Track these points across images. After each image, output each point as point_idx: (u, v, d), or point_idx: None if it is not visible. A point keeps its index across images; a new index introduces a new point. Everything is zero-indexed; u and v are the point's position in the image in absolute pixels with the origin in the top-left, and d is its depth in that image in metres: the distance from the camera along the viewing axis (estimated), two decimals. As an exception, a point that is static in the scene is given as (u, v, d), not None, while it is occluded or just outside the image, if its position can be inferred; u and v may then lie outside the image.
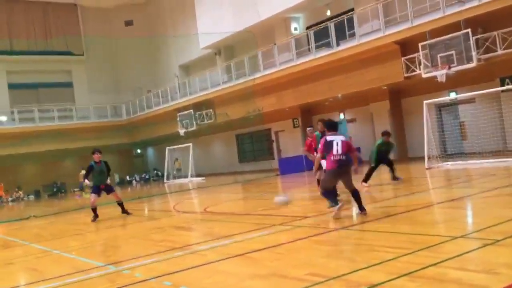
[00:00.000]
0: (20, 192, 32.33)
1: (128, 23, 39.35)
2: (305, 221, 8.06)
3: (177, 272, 5.61)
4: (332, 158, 7.78)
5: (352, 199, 8.16)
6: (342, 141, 7.76)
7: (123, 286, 5.26)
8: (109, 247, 8.09)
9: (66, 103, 36.64)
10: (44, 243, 9.40)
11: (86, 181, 12.54)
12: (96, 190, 12.24)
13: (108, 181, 12.63)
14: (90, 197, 12.35)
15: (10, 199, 31.98)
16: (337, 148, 7.72)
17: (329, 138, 7.91)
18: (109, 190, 12.56)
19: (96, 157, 12.27)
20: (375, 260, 4.89)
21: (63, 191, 35.37)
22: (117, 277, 5.77)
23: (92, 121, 35.22)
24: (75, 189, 35.95)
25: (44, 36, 37.03)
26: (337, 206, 7.82)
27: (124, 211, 12.63)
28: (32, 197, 33.12)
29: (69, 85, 38.58)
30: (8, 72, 35.77)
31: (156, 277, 5.43)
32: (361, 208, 7.88)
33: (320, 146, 8.24)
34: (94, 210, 12.31)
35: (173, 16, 36.47)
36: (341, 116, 25.69)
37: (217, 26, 28.71)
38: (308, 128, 12.97)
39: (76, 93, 38.60)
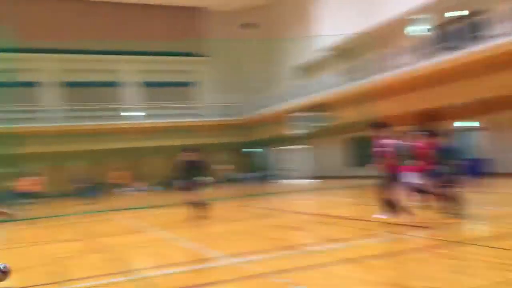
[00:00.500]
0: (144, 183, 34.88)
1: (248, 25, 40.63)
2: (425, 232, 7.68)
3: (293, 270, 5.68)
4: None
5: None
6: None
7: (242, 278, 5.46)
8: (226, 240, 8.43)
9: (187, 102, 39.01)
10: (164, 230, 10.07)
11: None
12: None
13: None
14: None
15: (134, 189, 34.58)
16: None
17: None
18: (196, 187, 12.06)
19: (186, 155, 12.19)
20: (498, 278, 4.52)
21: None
22: (233, 269, 6.00)
23: (208, 120, 37.08)
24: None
25: (172, 38, 39.72)
26: None
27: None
28: (159, 188, 35.53)
29: (192, 84, 41.02)
30: (138, 71, 38.89)
31: (273, 273, 5.56)
32: None
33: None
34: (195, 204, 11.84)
35: (292, 18, 36.93)
36: (469, 123, 24.01)
37: (336, 27, 28.49)
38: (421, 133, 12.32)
39: (196, 92, 40.88)
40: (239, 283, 5.29)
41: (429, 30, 23.84)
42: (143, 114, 36.56)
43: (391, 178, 8.40)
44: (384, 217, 7.64)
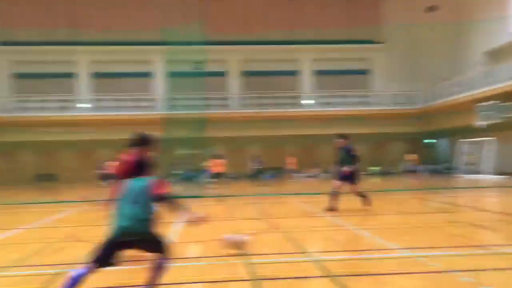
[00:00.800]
0: (317, 169, 35.75)
1: (431, 8, 38.19)
2: None
3: (478, 270, 5.33)
4: None
5: None
6: None
7: (418, 273, 5.32)
8: (402, 232, 8.23)
9: (363, 90, 38.52)
10: (342, 218, 10.22)
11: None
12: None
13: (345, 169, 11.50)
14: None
15: (310, 174, 35.74)
16: None
17: None
18: (353, 178, 11.65)
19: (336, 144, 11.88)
20: None
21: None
22: (411, 262, 5.86)
23: (385, 108, 35.99)
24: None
25: (348, 25, 39.47)
26: None
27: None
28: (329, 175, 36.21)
29: (367, 72, 40.29)
30: (314, 60, 39.65)
31: (454, 270, 5.29)
32: None
33: None
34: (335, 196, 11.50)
35: (481, -1, 33.61)
36: None
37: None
38: None
39: (373, 80, 40.02)
40: (417, 277, 5.16)
41: None
42: (316, 102, 37.31)
43: None
44: None
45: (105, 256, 4.35)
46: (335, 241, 7.87)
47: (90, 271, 4.30)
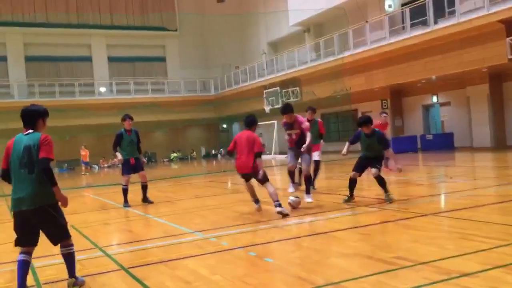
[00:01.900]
0: (116, 159, 34.57)
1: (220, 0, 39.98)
2: (391, 204, 7.86)
3: (262, 244, 5.75)
4: None
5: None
6: None
7: (210, 253, 5.49)
8: (197, 216, 8.44)
9: (159, 77, 38.45)
10: (136, 207, 10.01)
11: (118, 154, 10.20)
12: (127, 165, 10.15)
13: (141, 157, 10.49)
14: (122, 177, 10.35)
15: (106, 165, 34.37)
16: None
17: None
18: (138, 167, 10.24)
19: (128, 124, 10.22)
20: (468, 249, 4.68)
21: (153, 160, 37.38)
22: (205, 244, 6.03)
23: (182, 95, 36.61)
24: (164, 159, 37.84)
25: (142, 12, 38.76)
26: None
27: (146, 198, 10.46)
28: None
29: (162, 59, 40.29)
30: (108, 45, 38.03)
31: (242, 247, 5.61)
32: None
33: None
34: (126, 191, 10.22)
35: (265, -7, 36.52)
36: (434, 99, 24.49)
37: (308, 3, 28.33)
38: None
39: (169, 68, 40.24)
40: (208, 257, 5.31)
41: (402, 6, 23.93)
42: (104, 89, 35.72)
43: None
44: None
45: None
46: (129, 232, 7.65)
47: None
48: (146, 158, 35.97)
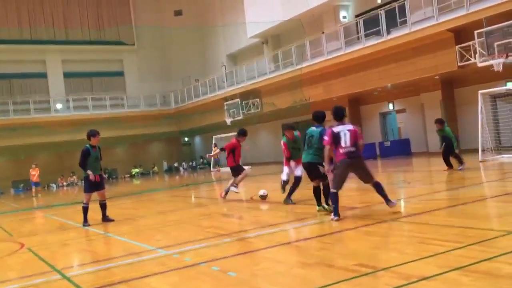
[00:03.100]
0: (74, 177, 33.68)
1: (178, 12, 39.92)
2: (352, 212, 7.98)
3: (225, 258, 5.71)
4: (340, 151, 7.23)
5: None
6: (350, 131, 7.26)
7: (174, 269, 5.41)
8: (159, 232, 8.32)
9: (117, 92, 37.87)
10: (96, 226, 9.76)
11: (89, 172, 9.71)
12: (91, 182, 9.76)
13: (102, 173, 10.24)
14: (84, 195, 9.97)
15: (65, 183, 33.44)
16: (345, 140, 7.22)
17: (335, 129, 7.33)
18: (101, 184, 9.98)
19: (97, 140, 9.91)
20: (427, 253, 4.79)
21: (114, 177, 36.65)
22: (167, 261, 5.94)
23: (141, 110, 36.20)
24: (125, 175, 37.17)
25: (97, 26, 38.19)
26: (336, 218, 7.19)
27: (106, 217, 10.17)
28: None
29: (120, 74, 39.75)
30: (63, 61, 37.22)
31: (205, 262, 5.55)
32: (388, 200, 7.39)
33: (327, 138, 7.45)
34: (86, 210, 9.89)
35: (222, 5, 36.72)
36: (390, 106, 25.15)
37: (265, 14, 28.66)
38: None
39: (127, 82, 39.72)
40: (172, 274, 5.23)
41: (356, 16, 24.55)
42: (60, 106, 34.84)
43: None
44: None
45: None
46: (89, 252, 7.45)
47: None
48: (107, 175, 35.25)
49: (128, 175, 37.31)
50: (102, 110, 34.46)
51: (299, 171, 9.71)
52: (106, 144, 34.25)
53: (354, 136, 7.23)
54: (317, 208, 8.15)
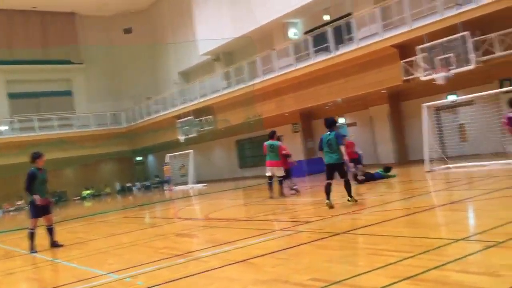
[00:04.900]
0: (21, 202, 32.27)
1: (127, 30, 39.47)
2: (307, 226, 8.05)
3: (179, 279, 5.60)
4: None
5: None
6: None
7: (126, 294, 5.25)
8: (111, 255, 8.07)
9: (66, 112, 36.78)
10: (44, 252, 9.36)
11: (36, 196, 9.34)
12: (38, 207, 9.40)
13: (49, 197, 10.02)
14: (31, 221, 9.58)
15: (11, 209, 31.96)
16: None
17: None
18: (49, 208, 9.69)
19: (41, 162, 9.61)
20: (378, 264, 4.88)
21: (63, 199, 35.39)
22: (119, 286, 5.76)
23: (92, 129, 35.30)
24: (75, 198, 35.98)
25: (43, 45, 37.13)
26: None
27: (54, 242, 9.74)
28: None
29: (68, 93, 38.71)
30: (8, 81, 35.89)
31: (158, 284, 5.42)
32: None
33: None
34: (33, 236, 9.50)
35: (172, 23, 36.62)
36: (341, 120, 25.70)
37: (216, 32, 28.81)
38: None
39: (76, 102, 38.71)
40: (123, 299, 5.07)
41: (305, 33, 25.08)
42: (5, 128, 33.51)
43: None
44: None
45: None
46: (36, 281, 7.12)
47: None
48: (56, 198, 34.00)
49: (79, 197, 36.13)
50: (50, 131, 33.35)
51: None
52: (54, 166, 33.28)
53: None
54: (348, 199, 9.81)
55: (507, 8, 14.93)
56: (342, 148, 9.44)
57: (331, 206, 9.44)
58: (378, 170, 15.69)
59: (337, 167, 9.64)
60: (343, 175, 9.72)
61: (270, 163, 13.55)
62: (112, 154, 35.55)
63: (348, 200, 9.73)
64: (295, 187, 14.10)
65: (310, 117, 27.04)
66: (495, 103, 15.89)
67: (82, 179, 37.20)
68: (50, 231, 9.80)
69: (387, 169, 15.70)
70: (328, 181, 9.66)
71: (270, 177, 13.66)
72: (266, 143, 13.83)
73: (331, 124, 9.76)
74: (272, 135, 13.91)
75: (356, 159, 14.95)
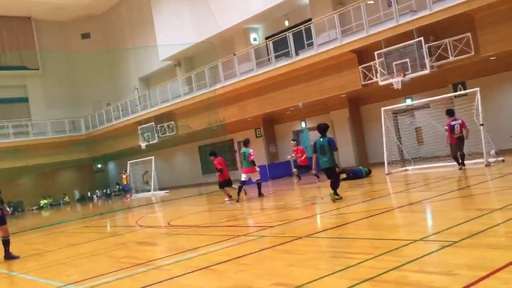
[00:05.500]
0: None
1: (85, 36, 38.68)
2: (270, 231, 8.07)
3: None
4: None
5: None
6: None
7: (85, 306, 5.12)
8: (70, 266, 7.85)
9: (21, 119, 35.60)
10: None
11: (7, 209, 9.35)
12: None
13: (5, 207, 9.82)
14: None
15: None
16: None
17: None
18: (4, 219, 9.46)
19: None
20: (339, 267, 4.94)
21: (20, 210, 34.19)
22: (78, 297, 5.61)
23: (49, 137, 34.30)
24: (33, 207, 34.85)
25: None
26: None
27: (9, 254, 9.41)
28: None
29: (25, 100, 37.52)
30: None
31: (119, 295, 5.32)
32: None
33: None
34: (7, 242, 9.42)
35: (132, 28, 36.11)
36: (303, 124, 25.97)
37: (177, 37, 28.61)
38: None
39: (32, 109, 37.55)
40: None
41: (266, 39, 25.25)
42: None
43: None
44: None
45: None
46: None
47: None
48: (12, 208, 32.72)
49: (36, 207, 35.00)
50: (4, 139, 32.21)
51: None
52: (9, 175, 32.17)
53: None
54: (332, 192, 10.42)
55: (459, 14, 15.53)
56: (334, 153, 10.28)
57: (334, 200, 10.27)
58: (360, 167, 16.38)
59: (329, 170, 10.35)
60: (332, 176, 10.45)
61: (245, 170, 14.39)
62: (71, 162, 34.62)
63: (334, 196, 10.36)
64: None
65: (272, 122, 27.21)
66: (449, 106, 16.45)
67: (40, 188, 36.09)
68: (5, 242, 9.45)
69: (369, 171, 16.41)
70: (330, 180, 10.55)
71: (243, 182, 14.30)
72: (241, 151, 14.78)
73: (323, 130, 10.33)
74: (246, 143, 14.69)
75: (308, 166, 15.97)
